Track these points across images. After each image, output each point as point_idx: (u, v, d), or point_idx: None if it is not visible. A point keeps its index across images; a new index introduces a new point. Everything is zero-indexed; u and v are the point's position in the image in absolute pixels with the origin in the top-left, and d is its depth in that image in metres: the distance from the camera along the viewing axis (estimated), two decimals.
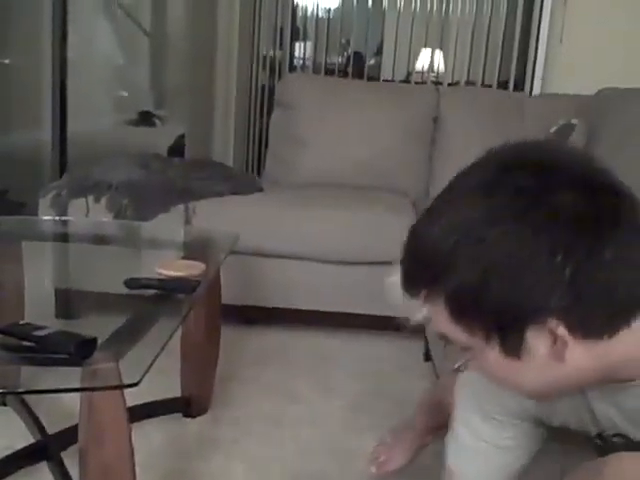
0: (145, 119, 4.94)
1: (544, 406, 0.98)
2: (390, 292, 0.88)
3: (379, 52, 4.53)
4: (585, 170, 0.74)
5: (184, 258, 1.74)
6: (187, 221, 2.33)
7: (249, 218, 2.37)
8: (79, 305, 2.00)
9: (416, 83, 4.08)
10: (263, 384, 2.06)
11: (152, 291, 1.47)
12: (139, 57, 5.03)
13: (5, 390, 1.61)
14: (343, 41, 4.29)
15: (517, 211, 0.71)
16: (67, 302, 2.10)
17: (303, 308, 2.42)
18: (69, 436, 1.55)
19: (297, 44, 4.25)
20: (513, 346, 0.74)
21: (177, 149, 4.03)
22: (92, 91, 4.34)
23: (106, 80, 4.67)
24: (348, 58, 4.35)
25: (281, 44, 4.06)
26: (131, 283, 1.48)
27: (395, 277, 0.81)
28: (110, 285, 1.65)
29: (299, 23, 4.23)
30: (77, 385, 1.04)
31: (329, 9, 4.16)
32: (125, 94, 4.91)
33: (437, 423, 1.42)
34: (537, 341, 0.73)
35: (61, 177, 2.83)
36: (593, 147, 2.56)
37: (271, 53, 4.02)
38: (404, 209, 2.51)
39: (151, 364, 1.04)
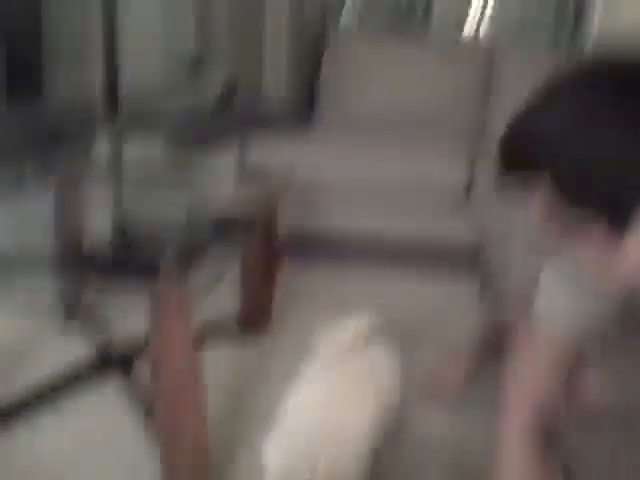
0: (194, 60, 4.91)
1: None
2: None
3: None
4: None
5: (240, 192, 1.76)
6: (242, 156, 2.35)
7: (306, 152, 2.43)
8: (135, 234, 2.05)
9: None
10: (319, 313, 2.10)
11: (210, 224, 1.50)
12: None
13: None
14: None
15: (624, 101, 0.74)
16: (123, 231, 2.15)
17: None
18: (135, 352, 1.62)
19: None
20: (621, 221, 0.76)
21: (229, 91, 4.01)
22: (140, 31, 4.32)
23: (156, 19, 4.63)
24: None
25: None
26: (190, 216, 1.51)
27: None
28: (168, 216, 1.69)
29: None
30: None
31: None
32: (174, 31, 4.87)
33: (492, 353, 1.44)
34: None
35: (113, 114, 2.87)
36: None
37: None
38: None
39: (215, 283, 1.08)
